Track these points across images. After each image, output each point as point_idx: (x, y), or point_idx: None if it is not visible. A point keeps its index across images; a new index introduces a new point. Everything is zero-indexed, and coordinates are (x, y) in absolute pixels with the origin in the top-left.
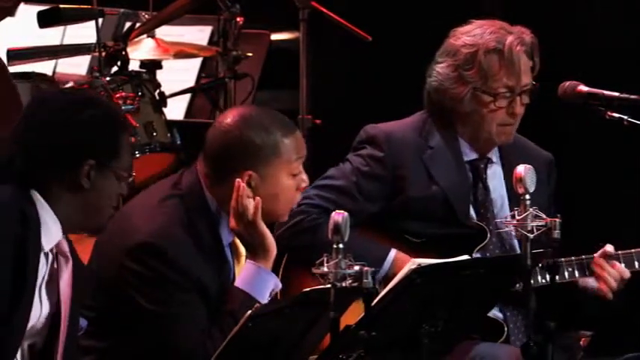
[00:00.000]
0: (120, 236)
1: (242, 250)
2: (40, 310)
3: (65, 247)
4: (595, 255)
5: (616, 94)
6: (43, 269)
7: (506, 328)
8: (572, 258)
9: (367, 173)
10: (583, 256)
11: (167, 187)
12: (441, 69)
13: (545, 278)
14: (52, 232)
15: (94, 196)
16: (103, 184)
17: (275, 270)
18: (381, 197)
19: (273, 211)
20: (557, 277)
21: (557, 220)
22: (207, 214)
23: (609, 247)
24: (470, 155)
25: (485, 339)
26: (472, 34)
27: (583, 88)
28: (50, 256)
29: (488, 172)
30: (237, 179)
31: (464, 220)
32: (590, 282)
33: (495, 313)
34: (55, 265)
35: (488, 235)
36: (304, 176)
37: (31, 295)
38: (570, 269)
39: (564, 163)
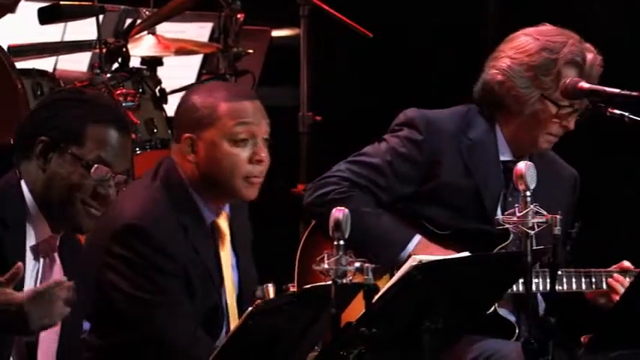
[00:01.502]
0: (105, 223)
1: (225, 230)
2: None
3: (53, 247)
4: (614, 273)
5: (617, 90)
6: (36, 266)
7: (517, 331)
8: (592, 270)
9: (403, 155)
10: (602, 270)
11: (148, 176)
12: (513, 64)
13: (566, 284)
14: (39, 228)
15: (53, 179)
16: (59, 166)
17: (296, 237)
18: (412, 180)
19: (220, 179)
20: (574, 286)
21: (558, 216)
22: (187, 195)
23: (627, 264)
24: (505, 155)
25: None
26: (554, 40)
27: (584, 84)
28: (41, 256)
29: None
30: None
31: (490, 218)
32: (601, 298)
33: (508, 316)
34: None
35: (511, 236)
36: (259, 149)
37: (17, 290)
38: (587, 280)
39: (565, 161)
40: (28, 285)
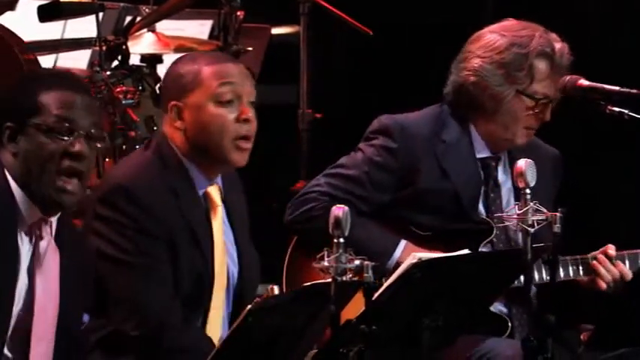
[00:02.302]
0: (95, 190)
1: (217, 200)
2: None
3: (44, 228)
4: (598, 255)
5: (616, 88)
6: (30, 250)
7: (510, 324)
8: (578, 256)
9: (379, 164)
10: (588, 255)
11: (141, 147)
12: (484, 63)
13: (547, 274)
14: (29, 212)
15: (26, 159)
16: (27, 143)
17: (283, 251)
18: (391, 188)
19: (209, 142)
20: (561, 275)
21: (558, 214)
22: (178, 163)
23: (611, 249)
24: (482, 152)
25: (490, 335)
26: (521, 34)
27: (583, 82)
28: (35, 239)
29: (499, 168)
30: None
31: (472, 216)
32: (591, 283)
33: (500, 308)
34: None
35: (495, 231)
36: (245, 108)
37: (12, 274)
38: (575, 267)
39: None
40: (23, 268)
